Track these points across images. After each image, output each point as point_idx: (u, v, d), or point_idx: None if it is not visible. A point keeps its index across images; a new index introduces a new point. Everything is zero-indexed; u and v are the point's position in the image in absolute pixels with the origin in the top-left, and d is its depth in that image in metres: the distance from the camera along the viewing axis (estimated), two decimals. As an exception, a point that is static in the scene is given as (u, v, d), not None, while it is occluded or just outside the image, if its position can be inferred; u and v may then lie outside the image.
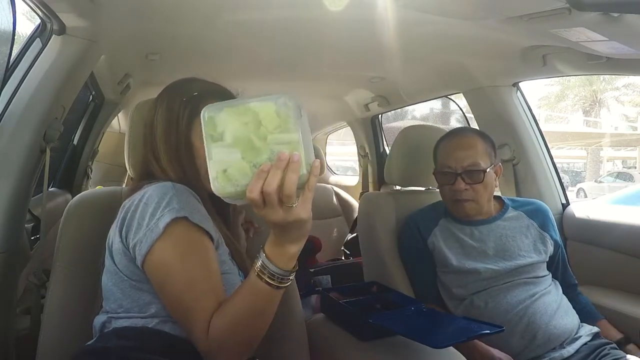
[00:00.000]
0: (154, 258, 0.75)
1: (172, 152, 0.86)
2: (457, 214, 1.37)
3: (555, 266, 1.38)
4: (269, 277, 0.68)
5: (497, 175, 1.37)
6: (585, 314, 1.32)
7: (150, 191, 0.79)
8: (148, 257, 0.75)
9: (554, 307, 1.24)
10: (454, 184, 1.31)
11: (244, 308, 0.71)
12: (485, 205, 1.35)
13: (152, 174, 0.89)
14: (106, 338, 0.80)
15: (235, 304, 0.71)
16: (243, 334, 0.72)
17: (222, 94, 0.91)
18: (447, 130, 1.63)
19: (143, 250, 0.75)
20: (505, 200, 1.43)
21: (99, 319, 0.85)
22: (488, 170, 1.31)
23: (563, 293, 1.33)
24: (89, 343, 0.83)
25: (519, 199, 1.50)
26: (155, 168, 0.88)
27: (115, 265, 0.81)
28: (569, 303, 1.31)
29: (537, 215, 1.38)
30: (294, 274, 0.71)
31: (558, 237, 1.38)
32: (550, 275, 1.34)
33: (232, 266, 0.88)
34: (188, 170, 0.86)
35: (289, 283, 0.70)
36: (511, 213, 1.39)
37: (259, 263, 0.68)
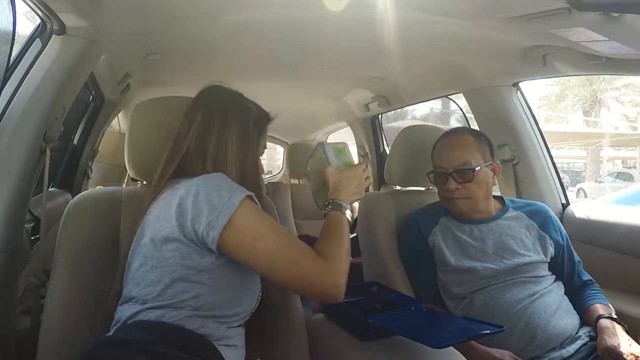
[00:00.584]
0: (235, 226, 0.81)
1: (244, 164, 0.96)
2: (453, 212, 1.37)
3: (560, 268, 1.35)
4: (340, 209, 0.95)
5: (495, 174, 1.36)
6: (582, 306, 1.30)
7: (207, 179, 0.86)
8: (227, 227, 0.80)
9: (554, 307, 1.23)
10: (445, 184, 1.32)
11: (336, 238, 0.90)
12: (481, 203, 1.34)
13: (186, 172, 0.92)
14: (125, 330, 0.82)
15: (328, 239, 0.90)
16: (345, 261, 0.88)
17: (267, 116, 1.06)
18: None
19: (221, 223, 0.80)
20: (506, 201, 1.42)
21: (127, 310, 0.85)
22: (479, 168, 1.30)
23: (576, 293, 1.32)
24: (108, 334, 0.84)
25: (519, 200, 1.49)
26: (202, 169, 0.93)
27: (160, 252, 0.83)
28: (570, 304, 1.29)
29: (538, 215, 1.37)
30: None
31: (561, 238, 1.35)
32: (553, 276, 1.32)
33: None
34: (248, 179, 0.96)
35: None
36: (511, 213, 1.38)
37: (330, 203, 0.96)
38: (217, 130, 0.93)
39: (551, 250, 1.33)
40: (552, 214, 1.40)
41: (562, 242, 1.35)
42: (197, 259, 0.83)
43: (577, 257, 1.37)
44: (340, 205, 0.95)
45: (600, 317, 1.21)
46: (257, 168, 1.01)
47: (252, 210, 0.85)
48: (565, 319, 1.23)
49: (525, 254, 1.29)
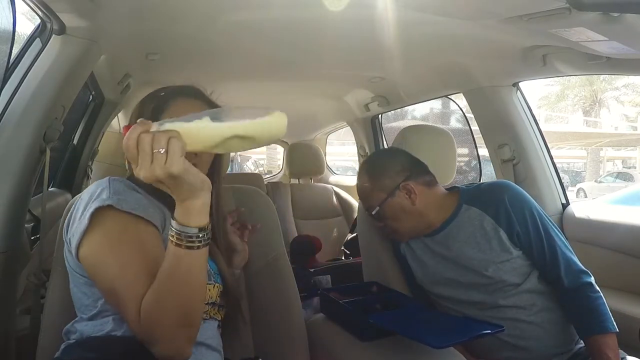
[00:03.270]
0: (84, 249, 0.76)
1: None
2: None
3: (539, 259, 1.16)
4: (177, 239, 0.68)
5: (411, 193, 1.24)
6: (581, 322, 1.14)
7: (88, 188, 0.82)
8: (80, 248, 0.76)
9: (540, 319, 1.15)
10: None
11: (166, 278, 0.69)
12: (416, 226, 1.26)
13: None
14: (70, 350, 0.81)
15: (158, 278, 0.70)
16: (170, 308, 0.69)
17: None
18: (447, 131, 1.63)
19: (74, 242, 0.77)
20: (461, 195, 1.27)
21: (66, 326, 0.86)
22: (377, 209, 1.26)
23: (568, 295, 1.15)
24: (55, 356, 0.83)
25: (476, 186, 1.31)
26: None
27: (68, 264, 0.83)
28: (558, 311, 1.17)
29: (491, 206, 1.20)
30: (205, 233, 0.69)
31: (526, 227, 1.16)
32: (533, 274, 1.18)
33: None
34: None
35: (200, 244, 0.68)
36: (465, 211, 1.23)
37: (171, 228, 0.69)
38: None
39: (512, 245, 1.17)
40: (508, 194, 1.20)
41: (527, 233, 1.16)
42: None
43: (551, 246, 1.16)
44: (179, 234, 0.68)
45: None
46: None
47: (104, 229, 0.76)
48: (556, 335, 1.16)
49: (483, 258, 1.17)
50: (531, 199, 1.23)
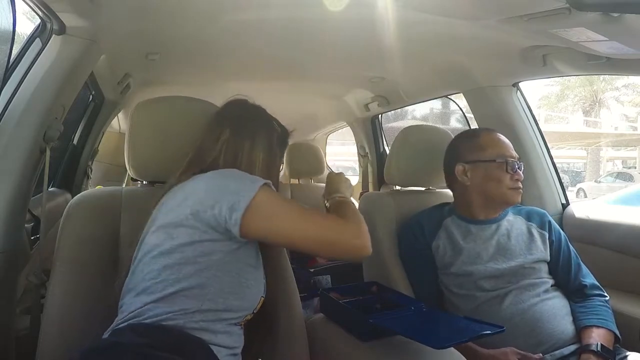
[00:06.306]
0: (257, 206, 0.84)
1: (269, 172, 1.02)
2: (514, 201, 1.35)
3: (556, 269, 1.33)
4: (344, 197, 1.09)
5: None
6: (578, 321, 1.26)
7: (223, 171, 0.93)
8: (249, 208, 0.83)
9: (558, 310, 1.24)
10: (515, 172, 1.32)
11: (349, 209, 0.99)
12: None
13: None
14: (119, 333, 0.83)
15: (341, 211, 0.99)
16: (363, 222, 0.94)
17: (287, 132, 1.12)
18: (447, 131, 1.63)
19: (243, 205, 0.83)
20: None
21: (131, 304, 0.85)
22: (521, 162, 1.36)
23: (576, 299, 1.30)
24: (104, 337, 0.85)
25: (518, 205, 1.45)
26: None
27: (171, 237, 0.85)
28: (570, 308, 1.29)
29: (535, 217, 1.39)
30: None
31: (556, 239, 1.35)
32: (553, 279, 1.32)
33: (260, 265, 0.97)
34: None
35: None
36: (511, 216, 1.40)
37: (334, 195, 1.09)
38: (247, 151, 0.99)
39: (550, 250, 1.33)
40: (550, 217, 1.40)
41: (559, 243, 1.35)
42: (209, 244, 0.85)
43: (576, 260, 1.35)
44: (344, 195, 1.07)
45: (584, 349, 1.16)
46: (278, 178, 1.09)
47: (272, 193, 0.90)
48: (569, 323, 1.24)
49: (527, 253, 1.30)
50: None
